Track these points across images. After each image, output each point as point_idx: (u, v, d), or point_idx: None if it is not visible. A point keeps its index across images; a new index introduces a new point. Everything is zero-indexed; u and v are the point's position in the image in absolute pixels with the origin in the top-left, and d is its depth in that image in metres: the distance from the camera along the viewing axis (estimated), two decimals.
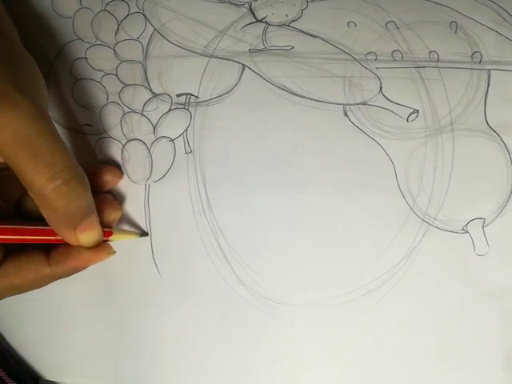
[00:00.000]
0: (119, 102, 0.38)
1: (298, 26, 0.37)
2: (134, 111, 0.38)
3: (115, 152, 0.38)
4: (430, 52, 0.36)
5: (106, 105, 0.38)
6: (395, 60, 0.36)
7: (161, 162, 0.38)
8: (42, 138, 0.29)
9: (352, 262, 0.36)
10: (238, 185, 0.37)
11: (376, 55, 0.36)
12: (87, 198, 0.32)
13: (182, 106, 0.38)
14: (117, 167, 0.38)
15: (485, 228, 0.35)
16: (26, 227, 0.33)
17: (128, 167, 0.38)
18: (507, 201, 0.35)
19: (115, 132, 0.38)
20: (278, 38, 0.37)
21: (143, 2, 0.38)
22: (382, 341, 0.36)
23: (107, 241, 0.35)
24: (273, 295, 0.37)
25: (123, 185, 0.38)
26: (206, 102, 0.38)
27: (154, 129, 0.38)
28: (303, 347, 0.36)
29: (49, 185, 0.29)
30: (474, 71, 0.35)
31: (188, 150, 0.38)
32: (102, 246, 0.34)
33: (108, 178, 0.37)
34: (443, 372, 0.35)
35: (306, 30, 0.37)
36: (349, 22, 0.37)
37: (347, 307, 0.36)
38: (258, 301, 0.37)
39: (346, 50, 0.36)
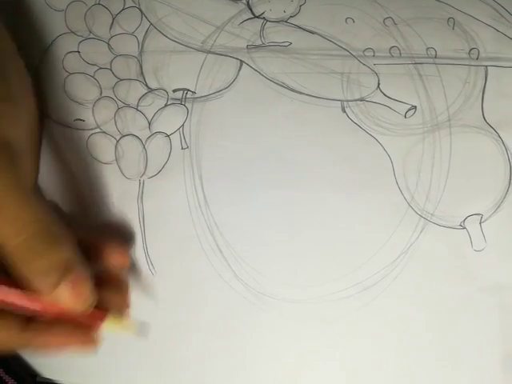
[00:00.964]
0: (113, 96, 0.38)
1: (296, 22, 0.37)
2: (128, 106, 0.38)
3: (108, 147, 0.38)
4: (427, 48, 0.36)
5: (99, 99, 0.38)
6: (393, 56, 0.36)
7: (156, 157, 0.37)
8: (4, 192, 0.28)
9: (350, 258, 0.36)
10: (235, 181, 0.37)
11: (374, 51, 0.36)
12: (61, 253, 0.30)
13: (179, 102, 0.37)
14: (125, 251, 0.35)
15: (482, 224, 0.35)
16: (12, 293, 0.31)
17: (121, 163, 0.37)
18: (504, 197, 0.35)
19: (109, 127, 0.38)
20: (275, 34, 0.37)
21: None
22: (379, 337, 0.36)
23: (96, 327, 0.32)
24: (269, 291, 0.36)
25: (116, 181, 0.38)
26: (203, 98, 0.37)
27: (150, 124, 0.37)
28: (300, 343, 0.36)
29: (13, 239, 0.28)
30: (472, 67, 0.36)
31: (184, 145, 0.37)
32: (86, 333, 0.32)
33: (116, 262, 0.34)
34: (441, 368, 0.35)
35: (304, 26, 0.37)
36: (347, 18, 0.37)
37: (345, 303, 0.36)
38: (254, 296, 0.36)
39: (343, 46, 0.37)
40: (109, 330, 0.32)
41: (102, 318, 0.32)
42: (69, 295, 0.30)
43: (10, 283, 0.30)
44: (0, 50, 0.33)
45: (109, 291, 0.33)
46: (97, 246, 0.34)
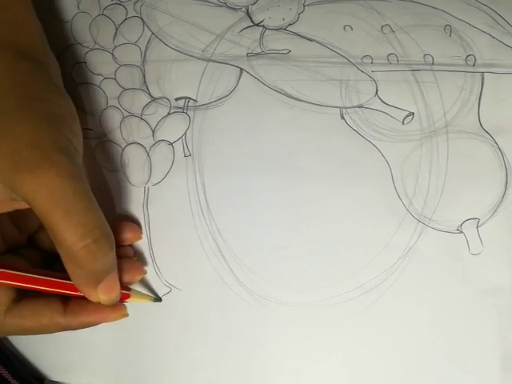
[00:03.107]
0: (118, 106, 0.39)
1: (295, 30, 0.37)
2: (133, 115, 0.39)
3: (114, 155, 0.39)
4: (424, 55, 0.36)
5: (105, 109, 0.39)
6: (391, 63, 0.37)
7: (160, 165, 0.38)
8: (76, 199, 0.30)
9: (350, 262, 0.37)
10: (237, 187, 0.38)
11: (372, 58, 0.37)
12: (112, 257, 0.33)
13: (181, 110, 0.38)
14: (137, 225, 0.38)
15: (479, 228, 0.36)
16: (48, 278, 0.34)
17: (127, 170, 0.39)
18: (501, 201, 0.36)
19: (115, 136, 0.39)
20: (275, 42, 0.38)
21: (141, 6, 0.39)
22: (380, 339, 0.36)
23: (123, 301, 0.36)
24: (271, 295, 0.37)
25: (122, 188, 0.39)
26: (204, 106, 0.38)
27: (153, 132, 0.38)
28: (302, 346, 0.37)
29: (79, 243, 0.30)
30: (468, 74, 0.36)
31: (187, 153, 0.38)
32: (118, 306, 0.35)
33: (128, 235, 0.37)
34: (440, 369, 0.36)
35: (303, 34, 0.37)
36: (345, 26, 0.37)
37: (345, 307, 0.37)
38: (256, 301, 0.37)
39: (342, 54, 0.37)
40: (132, 301, 0.36)
41: (126, 294, 0.35)
42: (105, 292, 0.33)
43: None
44: (55, 69, 0.35)
45: (125, 265, 0.36)
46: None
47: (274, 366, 0.37)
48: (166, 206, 0.38)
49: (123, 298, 0.35)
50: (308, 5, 0.37)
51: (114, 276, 0.34)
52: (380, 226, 0.37)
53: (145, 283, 0.38)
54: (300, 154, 0.37)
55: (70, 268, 0.32)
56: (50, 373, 0.39)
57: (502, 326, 0.36)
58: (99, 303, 0.34)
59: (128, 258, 0.37)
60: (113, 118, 0.39)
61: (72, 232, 0.30)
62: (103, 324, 0.36)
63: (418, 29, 0.36)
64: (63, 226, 0.30)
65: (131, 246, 0.38)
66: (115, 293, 0.34)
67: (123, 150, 0.39)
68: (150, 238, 0.38)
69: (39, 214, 0.30)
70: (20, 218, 0.35)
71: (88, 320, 0.34)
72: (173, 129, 0.38)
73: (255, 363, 0.37)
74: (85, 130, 0.39)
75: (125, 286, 0.36)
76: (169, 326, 0.38)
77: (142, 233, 0.38)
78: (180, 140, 0.38)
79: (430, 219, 0.36)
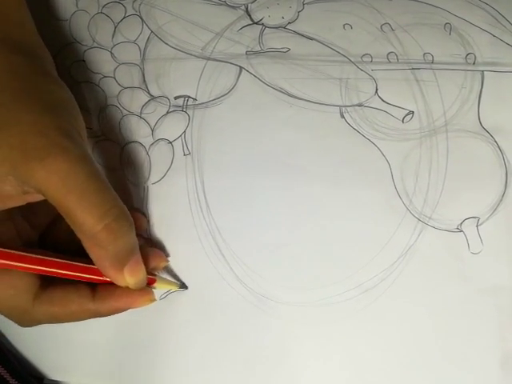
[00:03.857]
0: (117, 104, 0.39)
1: (294, 28, 0.37)
2: (132, 114, 0.38)
3: (114, 154, 0.39)
4: (424, 54, 0.36)
5: (104, 107, 0.39)
6: (390, 62, 0.37)
7: (159, 163, 0.38)
8: (89, 180, 0.30)
9: (349, 260, 0.37)
10: (236, 186, 0.38)
11: (371, 57, 0.37)
12: (133, 235, 0.33)
13: (180, 109, 0.38)
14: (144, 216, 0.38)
15: (479, 227, 0.36)
16: (75, 263, 0.34)
17: (126, 169, 0.39)
18: (500, 200, 0.36)
19: (114, 134, 0.39)
20: (274, 40, 0.38)
21: (139, 5, 0.39)
22: (379, 338, 0.36)
23: (150, 287, 0.36)
24: (271, 294, 0.37)
25: (122, 186, 0.39)
26: (203, 105, 0.38)
27: (153, 131, 0.38)
28: (302, 345, 0.37)
29: (99, 223, 0.30)
30: (468, 72, 0.36)
31: (186, 151, 0.38)
32: (146, 290, 0.35)
33: (136, 224, 0.36)
34: (440, 368, 0.36)
35: (302, 32, 0.37)
36: (344, 25, 0.37)
37: (345, 305, 0.37)
38: (256, 299, 0.37)
39: (341, 52, 0.37)
40: (159, 287, 0.36)
41: (152, 279, 0.35)
42: (132, 275, 0.33)
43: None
44: (49, 58, 0.35)
45: (149, 254, 0.36)
46: None
47: (273, 365, 0.37)
48: (165, 205, 0.38)
49: (150, 283, 0.35)
50: (307, 3, 0.37)
51: (139, 258, 0.33)
52: (380, 225, 0.37)
53: None
54: (299, 153, 0.37)
55: (93, 252, 0.32)
56: (49, 372, 0.39)
57: (502, 324, 0.36)
58: (127, 288, 0.34)
59: (147, 246, 0.37)
60: (112, 117, 0.39)
61: (90, 214, 0.30)
62: (102, 323, 0.36)
63: (418, 27, 0.36)
64: (80, 210, 0.30)
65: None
66: (141, 275, 0.34)
67: (122, 148, 0.38)
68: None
69: (54, 202, 0.30)
70: (31, 214, 0.35)
71: (117, 305, 0.34)
72: (172, 127, 0.38)
73: (255, 362, 0.37)
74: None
75: (150, 272, 0.36)
76: (168, 325, 0.38)
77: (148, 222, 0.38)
78: (179, 139, 0.38)
79: (429, 218, 0.36)
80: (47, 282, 0.33)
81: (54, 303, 0.33)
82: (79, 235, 0.31)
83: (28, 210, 0.34)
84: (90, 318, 0.34)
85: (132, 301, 0.35)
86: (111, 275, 0.33)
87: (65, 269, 0.33)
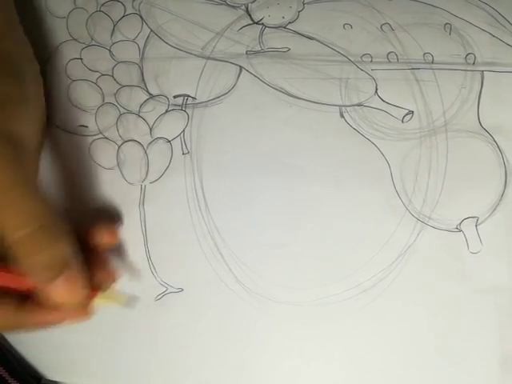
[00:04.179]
0: (115, 102, 0.38)
1: (295, 28, 0.37)
2: (130, 112, 0.38)
3: (110, 153, 0.38)
4: (424, 54, 0.36)
5: (101, 105, 0.38)
6: (390, 62, 0.37)
7: (157, 162, 0.38)
8: (9, 186, 0.29)
9: (348, 260, 0.37)
10: (235, 185, 0.37)
11: (371, 57, 0.37)
12: (65, 247, 0.31)
13: (179, 108, 0.38)
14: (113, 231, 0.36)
15: (478, 226, 0.36)
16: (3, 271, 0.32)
17: (123, 168, 0.38)
18: (500, 200, 0.36)
19: (111, 133, 0.38)
20: (274, 40, 0.38)
21: (139, 3, 0.38)
22: (378, 338, 0.36)
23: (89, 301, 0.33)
24: (270, 294, 0.37)
25: (118, 186, 0.38)
26: (203, 104, 0.38)
27: (151, 130, 0.38)
28: (300, 345, 0.37)
29: (21, 230, 0.29)
30: (468, 72, 0.36)
31: (185, 150, 0.38)
32: (79, 305, 0.32)
33: (103, 240, 0.35)
34: (439, 368, 0.36)
35: (303, 32, 0.37)
36: (344, 24, 0.37)
37: (344, 305, 0.37)
38: (255, 299, 0.37)
39: (341, 52, 0.37)
40: (99, 303, 0.34)
41: (93, 294, 0.33)
42: (63, 290, 0.31)
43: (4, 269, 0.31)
44: (19, 53, 0.34)
45: (97, 268, 0.34)
46: (86, 228, 0.34)
47: (272, 365, 0.37)
48: (163, 204, 0.38)
49: (90, 294, 0.33)
50: (308, 3, 0.37)
51: (73, 272, 0.31)
52: (379, 225, 0.37)
53: (141, 281, 0.38)
54: (299, 153, 0.37)
55: (21, 262, 0.30)
56: (47, 372, 0.39)
57: (501, 324, 0.36)
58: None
59: (103, 263, 0.35)
60: (109, 115, 0.38)
61: (11, 219, 0.29)
62: (102, 323, 0.36)
63: (418, 27, 0.37)
64: (1, 215, 0.29)
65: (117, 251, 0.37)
66: (74, 292, 0.31)
67: (119, 147, 0.38)
68: (145, 237, 0.38)
69: None
70: None
71: (45, 319, 0.32)
72: (171, 126, 0.38)
73: (253, 361, 0.37)
74: (80, 126, 0.39)
75: (92, 288, 0.33)
76: (167, 325, 0.37)
77: (117, 239, 0.36)
78: (178, 138, 0.38)
79: (429, 218, 0.36)
80: None
81: None
82: (5, 243, 0.29)
83: None
84: (15, 330, 0.33)
85: (62, 316, 0.32)
86: (39, 287, 0.31)
87: None
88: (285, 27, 0.37)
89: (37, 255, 0.30)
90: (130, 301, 0.37)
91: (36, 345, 0.38)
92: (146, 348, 0.38)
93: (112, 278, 0.35)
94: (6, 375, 0.36)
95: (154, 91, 0.38)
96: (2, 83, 0.32)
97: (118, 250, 0.38)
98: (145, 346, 0.37)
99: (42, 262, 0.30)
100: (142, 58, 0.38)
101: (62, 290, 0.31)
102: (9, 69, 0.33)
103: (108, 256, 0.36)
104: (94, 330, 0.38)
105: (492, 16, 0.36)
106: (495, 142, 0.36)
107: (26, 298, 0.32)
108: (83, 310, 0.33)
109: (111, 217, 0.38)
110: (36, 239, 0.29)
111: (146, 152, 0.38)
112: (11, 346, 0.39)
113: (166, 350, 0.37)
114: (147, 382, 0.38)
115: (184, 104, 0.38)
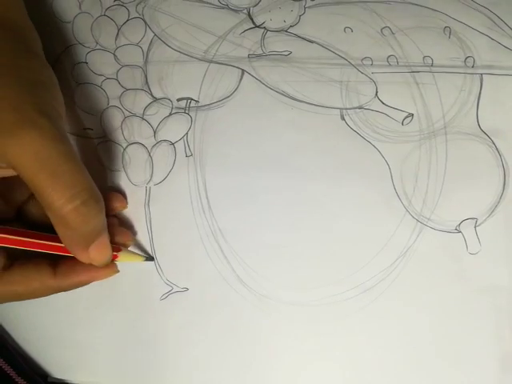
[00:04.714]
0: (120, 106, 0.39)
1: (296, 32, 0.38)
2: (134, 115, 0.39)
3: (116, 155, 0.39)
4: (424, 57, 0.37)
5: (106, 109, 0.39)
6: (390, 65, 0.37)
7: (161, 165, 0.39)
8: (62, 160, 0.30)
9: (349, 261, 0.37)
10: (238, 187, 0.38)
11: (372, 60, 0.37)
12: (102, 218, 0.33)
13: (183, 111, 0.38)
14: (123, 195, 0.39)
15: (477, 228, 0.36)
16: (37, 233, 0.34)
17: (129, 170, 0.39)
18: (498, 201, 0.36)
19: (116, 136, 0.39)
20: (276, 44, 0.38)
21: (143, 8, 0.39)
22: (378, 338, 0.37)
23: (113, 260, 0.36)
24: (272, 294, 0.38)
25: (124, 187, 0.39)
26: (206, 107, 0.38)
27: (155, 132, 0.39)
28: (302, 345, 0.37)
29: (68, 205, 0.30)
30: (467, 75, 0.37)
31: (188, 153, 0.38)
32: (108, 264, 0.35)
33: (116, 205, 0.38)
34: (439, 368, 0.36)
35: (304, 36, 0.38)
36: (345, 28, 0.37)
37: (345, 305, 0.37)
38: (257, 299, 0.38)
39: (342, 55, 0.37)
40: (122, 260, 0.36)
41: (115, 257, 0.36)
42: (96, 254, 0.33)
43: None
44: (36, 55, 0.35)
45: (115, 230, 0.37)
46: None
47: (274, 364, 0.38)
48: (167, 206, 0.39)
49: (113, 258, 0.36)
50: (309, 7, 0.38)
51: (105, 238, 0.34)
52: (379, 226, 0.37)
53: (146, 280, 0.39)
54: (301, 155, 0.38)
55: (60, 230, 0.32)
56: (53, 370, 0.39)
57: (500, 325, 0.36)
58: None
59: (117, 225, 0.38)
60: (114, 118, 0.39)
61: (60, 194, 0.30)
62: (107, 322, 0.37)
63: (418, 31, 0.37)
64: (50, 189, 0.30)
65: (116, 216, 0.39)
66: (106, 255, 0.34)
67: (125, 149, 0.39)
68: (151, 238, 0.39)
69: (25, 178, 0.30)
70: (6, 190, 0.35)
71: (78, 279, 0.35)
72: (175, 129, 0.39)
73: (256, 361, 0.38)
74: (86, 129, 0.39)
75: (115, 247, 0.36)
76: (170, 325, 0.38)
77: (127, 202, 0.39)
78: (182, 140, 0.39)
79: (428, 219, 0.37)
80: (9, 263, 0.34)
81: (15, 282, 0.34)
82: (47, 212, 0.31)
83: (3, 185, 0.34)
84: (52, 294, 0.35)
85: (94, 275, 0.35)
86: (75, 254, 0.33)
87: (27, 245, 0.34)
88: (286, 31, 0.38)
89: (79, 228, 0.31)
90: (149, 258, 0.38)
91: (43, 344, 0.39)
92: (152, 346, 0.38)
93: (129, 238, 0.38)
94: (13, 374, 0.37)
95: (157, 94, 0.39)
96: (35, 68, 0.33)
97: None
98: (150, 344, 0.38)
99: (84, 234, 0.32)
100: (145, 62, 0.39)
101: (95, 253, 0.33)
102: (33, 54, 0.34)
103: (117, 221, 0.38)
104: (100, 329, 0.38)
105: (491, 19, 0.36)
106: (494, 144, 0.36)
107: (57, 261, 0.35)
108: (110, 268, 0.36)
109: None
110: (81, 213, 0.31)
111: (150, 154, 0.39)
112: (18, 346, 0.39)
113: (171, 348, 0.38)
114: (152, 380, 0.38)
115: (187, 107, 0.39)
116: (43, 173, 0.29)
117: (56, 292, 0.35)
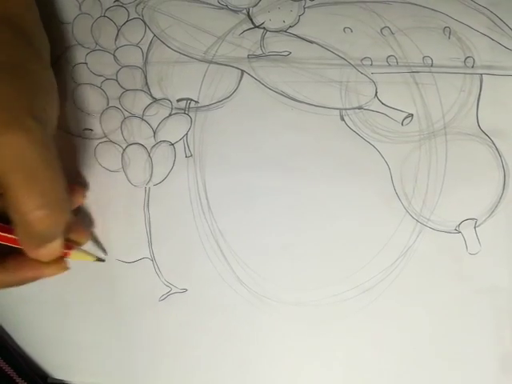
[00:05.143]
0: (119, 106, 0.39)
1: (295, 32, 0.38)
2: (134, 116, 0.39)
3: (115, 156, 0.39)
4: (423, 57, 0.37)
5: (106, 109, 0.39)
6: (390, 65, 0.37)
7: (161, 165, 0.39)
8: (42, 166, 0.30)
9: (349, 261, 0.37)
10: (238, 188, 0.38)
11: (371, 60, 0.37)
12: (63, 228, 0.32)
13: (183, 111, 0.38)
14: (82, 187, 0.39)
15: (477, 228, 0.36)
16: None
17: (128, 171, 0.39)
18: (498, 202, 0.36)
19: (115, 136, 0.39)
20: (275, 44, 0.38)
21: (142, 8, 0.39)
22: (378, 338, 0.37)
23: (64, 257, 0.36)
24: (272, 294, 0.38)
25: (123, 188, 0.39)
26: (205, 107, 0.38)
27: (155, 133, 0.39)
28: (301, 345, 0.37)
29: (36, 211, 0.30)
30: (467, 76, 0.36)
31: (188, 153, 0.38)
32: (57, 261, 0.35)
33: (77, 199, 0.38)
34: (438, 367, 0.37)
35: (303, 36, 0.38)
36: (345, 28, 0.37)
37: (344, 305, 0.37)
38: (257, 299, 0.38)
39: (342, 56, 0.37)
40: (74, 258, 0.36)
41: (69, 250, 0.36)
42: (45, 255, 0.33)
43: None
44: (40, 58, 0.35)
45: (71, 228, 0.36)
46: None
47: (273, 364, 0.38)
48: (166, 207, 0.39)
49: (64, 255, 0.36)
50: (308, 7, 0.38)
51: (59, 242, 0.33)
52: (379, 226, 0.37)
53: (144, 282, 0.39)
54: (300, 155, 0.38)
55: (19, 230, 0.31)
56: (53, 371, 0.39)
57: (500, 325, 0.36)
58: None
59: (75, 224, 0.37)
60: (114, 119, 0.39)
61: (31, 199, 0.30)
62: (107, 323, 0.37)
63: (418, 31, 0.37)
64: (22, 191, 0.29)
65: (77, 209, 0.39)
66: (55, 255, 0.34)
67: (124, 150, 0.39)
68: (150, 238, 0.39)
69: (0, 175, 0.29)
70: None
71: (27, 275, 0.35)
72: (174, 130, 0.39)
73: (255, 361, 0.38)
74: (85, 130, 0.39)
75: (68, 244, 0.36)
76: (170, 325, 0.38)
77: (85, 195, 0.39)
78: (181, 141, 0.39)
79: (428, 219, 0.37)
80: None
81: None
82: (11, 211, 0.30)
83: None
84: (0, 289, 0.35)
85: (42, 271, 0.35)
86: (26, 250, 0.33)
87: None
88: (286, 31, 0.38)
89: (39, 233, 0.31)
90: (100, 259, 0.38)
91: (42, 345, 0.39)
92: (151, 347, 0.38)
93: (84, 237, 0.37)
94: (13, 374, 0.37)
95: (157, 95, 0.39)
96: (35, 70, 0.33)
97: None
98: (149, 345, 0.38)
99: (41, 237, 0.32)
100: (145, 63, 0.39)
101: (44, 253, 0.33)
102: (37, 57, 0.34)
103: (79, 218, 0.38)
104: (99, 329, 0.39)
105: (491, 20, 0.36)
106: (494, 144, 0.36)
107: (6, 256, 0.34)
108: (59, 264, 0.35)
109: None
110: (46, 222, 0.30)
111: (149, 155, 0.39)
112: (18, 346, 0.40)
113: (170, 349, 0.38)
114: (152, 380, 0.38)
115: (187, 108, 0.38)
116: (19, 174, 0.29)
117: (4, 287, 0.35)
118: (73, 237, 0.36)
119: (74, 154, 0.39)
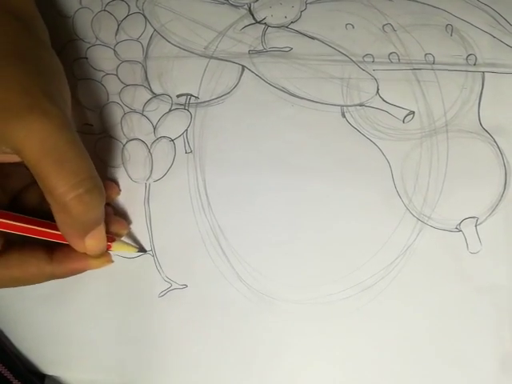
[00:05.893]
0: (119, 101, 0.39)
1: (297, 28, 0.38)
2: (134, 111, 0.39)
3: (115, 151, 0.39)
4: (425, 54, 0.37)
5: (106, 104, 0.39)
6: (392, 62, 0.37)
7: (161, 161, 0.38)
8: (68, 147, 0.30)
9: (349, 259, 0.37)
10: (238, 184, 0.38)
11: (373, 57, 0.37)
12: (102, 209, 0.33)
13: (183, 107, 0.38)
14: (116, 184, 0.39)
15: (477, 227, 0.36)
16: (35, 220, 0.34)
17: (128, 166, 0.39)
18: (499, 200, 0.36)
19: (116, 132, 0.39)
20: (276, 40, 0.38)
21: (143, 3, 0.39)
22: (378, 336, 0.37)
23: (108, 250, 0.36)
24: (272, 292, 0.37)
25: (123, 184, 0.39)
26: (206, 103, 0.38)
27: (155, 129, 0.38)
28: (301, 343, 0.37)
29: (71, 192, 0.30)
30: (469, 73, 0.36)
31: (188, 149, 0.38)
32: (102, 253, 0.35)
33: (111, 193, 0.38)
34: (438, 367, 0.36)
35: (305, 32, 0.38)
36: (347, 24, 0.37)
37: (344, 304, 0.37)
38: (257, 297, 0.38)
39: (343, 52, 0.37)
40: (115, 250, 0.37)
41: (111, 242, 0.36)
42: (92, 243, 0.33)
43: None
44: (44, 45, 0.35)
45: (110, 220, 0.36)
46: None
47: (273, 362, 0.38)
48: (167, 203, 0.38)
49: (107, 248, 0.36)
50: (310, 3, 0.37)
51: (102, 228, 0.34)
52: (379, 224, 0.37)
53: (145, 277, 0.38)
54: (301, 152, 0.37)
55: (59, 217, 0.32)
56: (49, 368, 0.39)
57: (500, 324, 0.36)
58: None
59: (112, 214, 0.38)
60: (114, 114, 0.39)
61: (64, 181, 0.30)
62: (105, 319, 0.36)
63: (420, 28, 0.37)
64: (54, 175, 0.29)
65: (110, 204, 0.39)
66: (101, 244, 0.34)
67: (124, 145, 0.39)
68: (151, 234, 0.38)
69: (29, 163, 0.29)
70: (3, 177, 0.35)
71: (73, 267, 0.35)
72: (174, 125, 0.38)
73: (255, 359, 0.38)
74: (85, 125, 0.39)
75: (109, 237, 0.36)
76: (169, 322, 0.38)
77: (120, 190, 0.39)
78: (181, 137, 0.38)
79: (429, 217, 0.36)
80: (6, 247, 0.34)
81: (12, 267, 0.34)
82: (49, 199, 0.31)
83: (1, 171, 0.34)
84: (48, 280, 0.35)
85: (88, 263, 0.35)
86: (71, 242, 0.33)
87: (24, 231, 0.33)
88: (287, 27, 0.38)
89: (80, 217, 0.31)
90: (142, 249, 0.38)
91: (38, 341, 0.39)
92: (150, 344, 0.38)
93: (124, 228, 0.38)
94: (7, 374, 0.36)
95: (157, 90, 0.39)
96: (44, 56, 0.33)
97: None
98: (149, 341, 0.38)
99: (83, 223, 0.32)
100: (145, 57, 0.39)
101: (90, 243, 0.33)
102: (43, 43, 0.34)
103: (111, 210, 0.38)
104: (97, 326, 0.38)
105: (493, 17, 0.36)
106: (495, 142, 0.36)
107: (53, 247, 0.35)
108: (105, 257, 0.36)
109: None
110: (83, 201, 0.30)
111: (149, 151, 0.38)
112: (12, 344, 0.39)
113: (169, 345, 0.38)
114: (151, 377, 0.38)
115: (187, 103, 0.38)
116: (48, 158, 0.29)
117: (51, 278, 0.35)
118: (112, 228, 0.36)
119: None
